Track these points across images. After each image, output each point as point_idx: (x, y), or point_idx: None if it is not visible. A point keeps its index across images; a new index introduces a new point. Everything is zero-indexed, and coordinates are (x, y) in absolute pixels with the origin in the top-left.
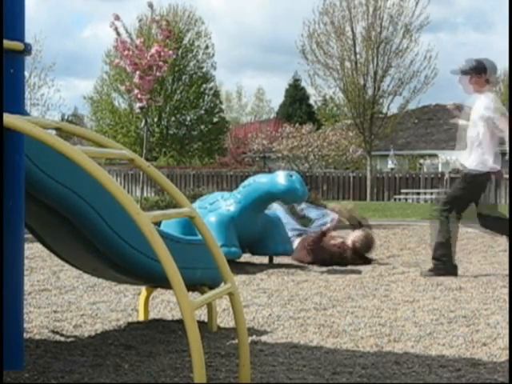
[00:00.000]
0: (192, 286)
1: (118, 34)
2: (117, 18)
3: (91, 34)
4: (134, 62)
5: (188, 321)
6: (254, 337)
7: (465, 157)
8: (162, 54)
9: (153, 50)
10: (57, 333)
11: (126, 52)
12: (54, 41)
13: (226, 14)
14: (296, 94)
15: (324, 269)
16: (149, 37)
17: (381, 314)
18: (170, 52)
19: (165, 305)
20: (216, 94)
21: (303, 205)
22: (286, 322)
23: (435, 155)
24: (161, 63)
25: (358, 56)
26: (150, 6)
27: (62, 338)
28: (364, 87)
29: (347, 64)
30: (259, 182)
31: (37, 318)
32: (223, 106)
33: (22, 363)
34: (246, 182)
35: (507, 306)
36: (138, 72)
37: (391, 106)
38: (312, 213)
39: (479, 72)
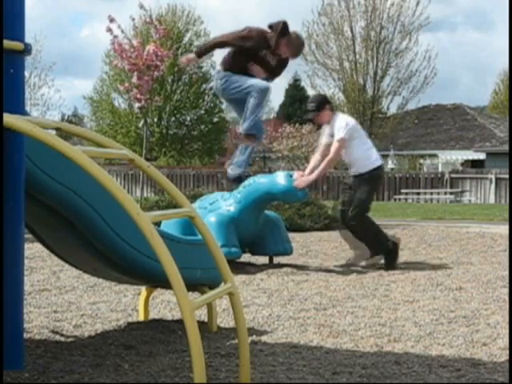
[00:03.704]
0: (192, 285)
1: (115, 36)
2: (111, 20)
3: (90, 33)
4: (131, 63)
5: (188, 321)
6: (254, 337)
7: None
8: (159, 53)
9: (150, 50)
10: (57, 333)
11: (124, 53)
12: (52, 41)
13: (224, 13)
14: (296, 94)
15: (324, 268)
16: (148, 37)
17: (381, 313)
18: (167, 51)
19: (165, 305)
20: (216, 94)
21: None
22: (286, 322)
23: (435, 155)
24: (158, 63)
25: (357, 56)
26: (141, 7)
27: (62, 338)
28: (364, 87)
29: (346, 64)
30: (259, 182)
31: (37, 318)
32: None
33: (22, 363)
34: (246, 182)
35: (507, 306)
36: (136, 72)
37: (391, 106)
38: None
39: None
